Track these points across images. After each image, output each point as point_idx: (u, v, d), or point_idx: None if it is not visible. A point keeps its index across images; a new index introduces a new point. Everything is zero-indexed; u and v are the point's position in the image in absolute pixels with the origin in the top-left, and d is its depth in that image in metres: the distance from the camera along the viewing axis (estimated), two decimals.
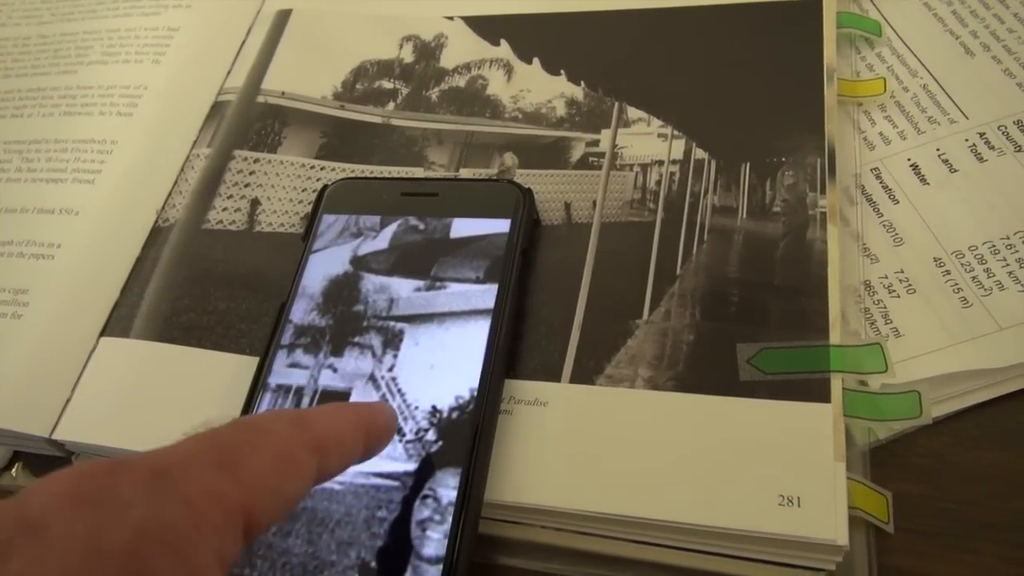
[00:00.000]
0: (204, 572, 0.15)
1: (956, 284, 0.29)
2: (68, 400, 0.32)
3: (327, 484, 0.27)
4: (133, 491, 0.15)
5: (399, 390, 0.29)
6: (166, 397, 0.31)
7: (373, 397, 0.29)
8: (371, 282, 0.32)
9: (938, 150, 0.33)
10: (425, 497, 0.27)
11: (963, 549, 0.26)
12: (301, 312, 0.31)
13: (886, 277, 0.30)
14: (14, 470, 0.33)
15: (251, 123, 0.39)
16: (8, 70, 0.43)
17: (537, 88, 0.38)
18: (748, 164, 0.33)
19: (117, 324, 0.34)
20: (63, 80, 0.42)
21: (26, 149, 0.39)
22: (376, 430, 0.22)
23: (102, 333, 0.33)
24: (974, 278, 0.29)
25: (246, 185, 0.37)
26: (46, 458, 0.32)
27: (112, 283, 0.35)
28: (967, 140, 0.33)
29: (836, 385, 0.27)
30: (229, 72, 0.41)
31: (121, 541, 0.14)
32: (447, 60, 0.40)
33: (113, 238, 0.36)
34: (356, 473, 0.27)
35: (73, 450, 0.32)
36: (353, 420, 0.21)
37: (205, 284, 0.34)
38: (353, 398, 0.29)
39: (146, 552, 0.14)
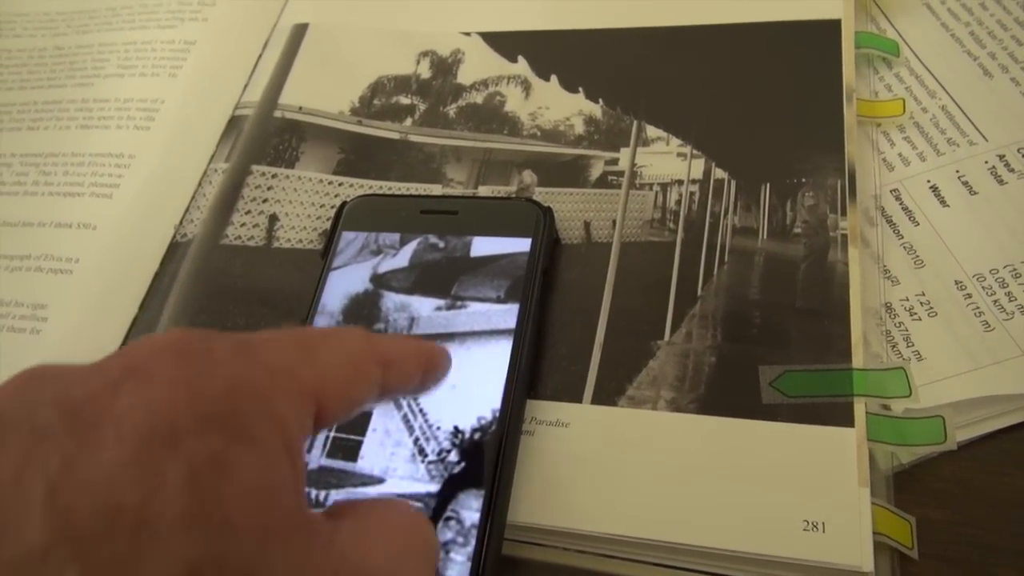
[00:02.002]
0: (287, 422, 0.17)
1: (977, 307, 0.29)
2: None
3: None
4: (224, 354, 0.17)
5: (421, 411, 0.29)
6: None
7: (395, 417, 0.29)
8: (391, 300, 0.32)
9: (958, 172, 0.33)
10: (448, 519, 0.27)
11: (987, 575, 0.26)
12: None
13: (907, 300, 0.30)
14: None
15: (269, 138, 0.39)
16: (24, 82, 0.43)
17: (555, 105, 0.38)
18: (768, 185, 0.33)
19: (136, 339, 0.34)
20: (80, 93, 0.42)
21: (43, 162, 0.39)
22: (434, 365, 0.24)
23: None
24: (995, 302, 0.29)
25: (264, 200, 0.37)
26: None
27: (130, 298, 0.35)
28: (987, 162, 0.33)
29: (860, 409, 0.27)
30: (246, 86, 0.41)
31: (217, 387, 0.16)
32: (464, 76, 0.40)
33: (131, 253, 0.36)
34: (379, 494, 0.27)
35: None
36: (415, 350, 0.23)
37: (224, 300, 0.34)
38: (375, 418, 0.29)
39: (239, 398, 0.17)
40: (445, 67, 0.41)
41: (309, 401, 0.18)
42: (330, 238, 0.34)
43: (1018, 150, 0.33)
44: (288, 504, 0.16)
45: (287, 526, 0.16)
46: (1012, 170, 0.32)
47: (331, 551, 0.16)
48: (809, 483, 0.26)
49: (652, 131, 0.36)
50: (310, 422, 0.18)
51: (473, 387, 0.29)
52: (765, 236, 0.32)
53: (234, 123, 0.40)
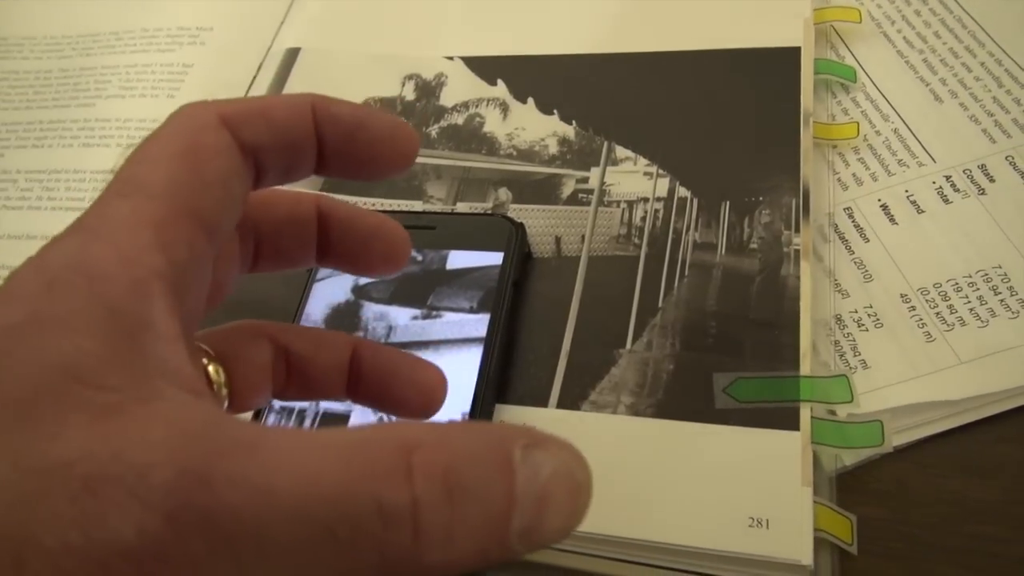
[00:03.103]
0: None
1: (921, 319, 0.31)
2: None
3: None
4: None
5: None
6: None
7: (371, 420, 0.31)
8: (371, 310, 0.34)
9: (907, 191, 0.35)
10: None
11: (923, 571, 0.27)
12: None
13: (856, 311, 0.32)
14: None
15: None
16: (30, 102, 0.46)
17: (531, 127, 0.40)
18: (728, 203, 0.35)
19: None
20: (82, 112, 0.44)
21: (47, 178, 0.41)
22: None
23: None
24: (938, 314, 0.31)
25: None
26: None
27: None
28: (934, 182, 0.35)
29: (805, 414, 0.29)
30: None
31: None
32: (447, 98, 0.42)
33: None
34: None
35: None
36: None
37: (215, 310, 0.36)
38: (352, 421, 0.31)
39: None
40: (429, 90, 0.43)
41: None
42: None
43: (963, 171, 0.35)
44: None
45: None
46: (957, 190, 0.34)
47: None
48: (756, 483, 0.28)
49: (621, 151, 0.38)
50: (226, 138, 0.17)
51: None
52: (723, 251, 0.34)
53: None
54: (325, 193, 0.23)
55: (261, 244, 0.22)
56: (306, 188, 0.40)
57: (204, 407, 0.14)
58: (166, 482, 0.12)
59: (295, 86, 0.44)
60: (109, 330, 0.14)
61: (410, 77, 0.43)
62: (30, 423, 0.13)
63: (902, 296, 0.32)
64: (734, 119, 0.37)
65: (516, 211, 0.37)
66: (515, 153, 0.39)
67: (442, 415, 0.30)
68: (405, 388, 0.23)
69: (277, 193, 0.21)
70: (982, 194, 0.34)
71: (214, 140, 0.17)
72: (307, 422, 0.31)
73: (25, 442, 0.13)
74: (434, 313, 0.33)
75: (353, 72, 0.44)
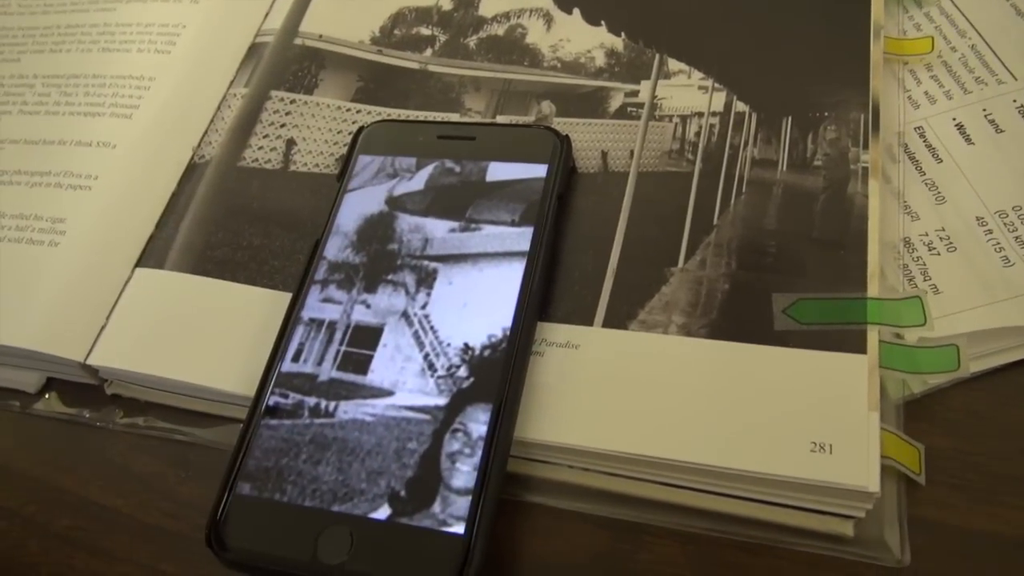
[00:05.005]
0: None
1: (998, 243, 0.29)
2: (102, 328, 0.32)
3: (359, 415, 0.27)
4: None
5: (432, 327, 0.29)
6: (198, 328, 0.32)
7: (406, 333, 0.29)
8: (406, 222, 0.32)
9: (984, 110, 0.32)
10: (455, 431, 0.27)
11: (993, 503, 0.25)
12: (335, 249, 0.31)
13: (926, 235, 0.30)
14: (48, 396, 0.33)
15: (288, 65, 0.39)
16: (48, 6, 0.43)
17: (577, 38, 0.37)
18: (790, 118, 0.33)
19: (152, 255, 0.34)
20: (102, 17, 0.42)
21: (64, 83, 0.39)
22: None
23: (137, 264, 0.34)
24: (1016, 238, 0.29)
25: (282, 125, 0.37)
26: (78, 385, 0.33)
27: (147, 215, 0.35)
28: (1015, 101, 0.32)
29: (872, 336, 0.27)
30: (267, 14, 0.41)
31: None
32: (486, 9, 0.40)
33: (149, 172, 0.36)
34: (388, 406, 0.27)
35: (106, 377, 0.32)
36: None
37: (240, 220, 0.34)
38: (385, 334, 0.29)
39: None
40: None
41: None
42: (346, 161, 0.34)
43: None
44: None
45: None
46: None
47: None
48: (818, 407, 0.26)
49: (674, 64, 0.35)
50: None
51: (485, 306, 0.29)
52: (784, 168, 0.32)
53: (254, 50, 0.40)
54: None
55: None
56: (337, 101, 0.38)
57: None
58: None
59: None
60: None
61: None
62: None
63: (978, 219, 0.30)
64: (797, 31, 0.35)
65: (560, 124, 0.35)
66: (559, 65, 0.37)
67: (483, 331, 0.29)
68: None
69: None
70: None
71: None
72: (338, 334, 0.30)
73: None
74: (473, 226, 0.31)
75: None
